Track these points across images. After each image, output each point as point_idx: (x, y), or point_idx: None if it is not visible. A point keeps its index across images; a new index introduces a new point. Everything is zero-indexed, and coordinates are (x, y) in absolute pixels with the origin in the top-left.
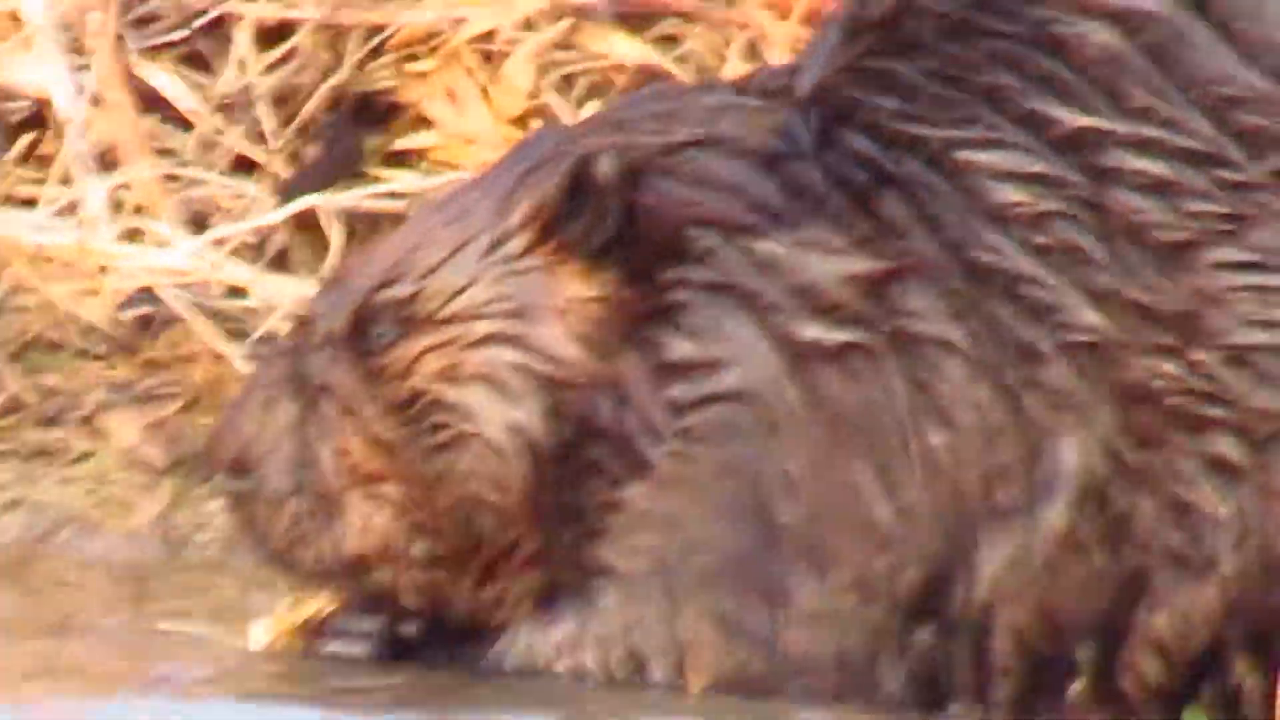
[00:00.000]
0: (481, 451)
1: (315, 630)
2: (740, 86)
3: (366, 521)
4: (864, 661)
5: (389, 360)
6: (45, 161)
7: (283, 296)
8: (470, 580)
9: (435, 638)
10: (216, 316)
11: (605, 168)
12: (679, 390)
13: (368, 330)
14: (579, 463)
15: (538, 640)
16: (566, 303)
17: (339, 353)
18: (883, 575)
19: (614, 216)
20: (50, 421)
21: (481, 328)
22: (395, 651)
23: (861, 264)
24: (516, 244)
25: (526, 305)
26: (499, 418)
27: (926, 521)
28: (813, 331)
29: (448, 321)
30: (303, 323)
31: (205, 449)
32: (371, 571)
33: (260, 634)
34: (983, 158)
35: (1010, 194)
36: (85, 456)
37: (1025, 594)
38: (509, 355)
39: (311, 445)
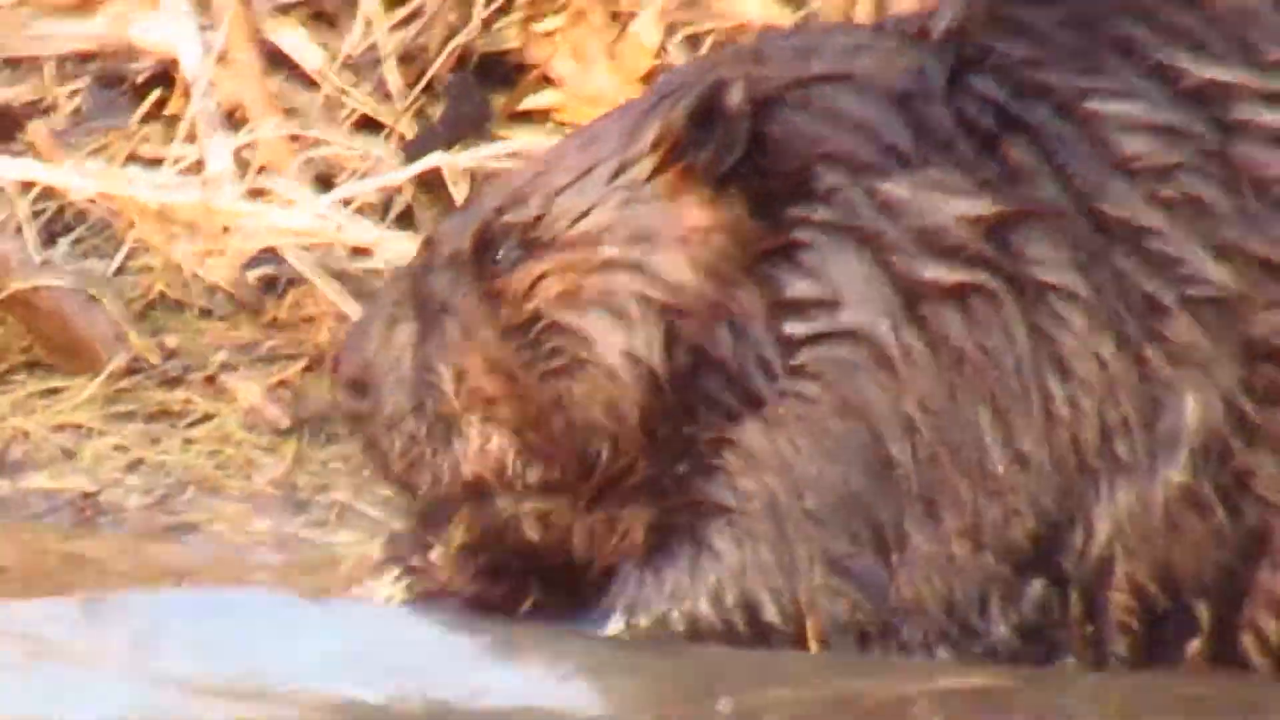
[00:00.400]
0: (598, 378)
1: (408, 546)
2: (878, 28)
3: (484, 443)
4: (974, 609)
5: (510, 282)
6: (171, 121)
7: (407, 256)
8: (583, 507)
9: (543, 590)
10: (340, 277)
11: (735, 96)
12: (795, 327)
13: (490, 251)
14: (694, 394)
15: (649, 588)
16: (688, 231)
17: (461, 273)
18: (996, 523)
19: (741, 145)
20: (173, 382)
21: (603, 253)
22: (510, 597)
23: (985, 206)
24: (642, 169)
25: (648, 232)
26: (617, 344)
27: (1043, 471)
28: (933, 272)
29: (569, 246)
30: (428, 243)
31: (328, 368)
32: (489, 496)
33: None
34: (1111, 108)
35: (1137, 145)
36: (208, 417)
37: (1144, 549)
38: (629, 282)
39: (431, 365)
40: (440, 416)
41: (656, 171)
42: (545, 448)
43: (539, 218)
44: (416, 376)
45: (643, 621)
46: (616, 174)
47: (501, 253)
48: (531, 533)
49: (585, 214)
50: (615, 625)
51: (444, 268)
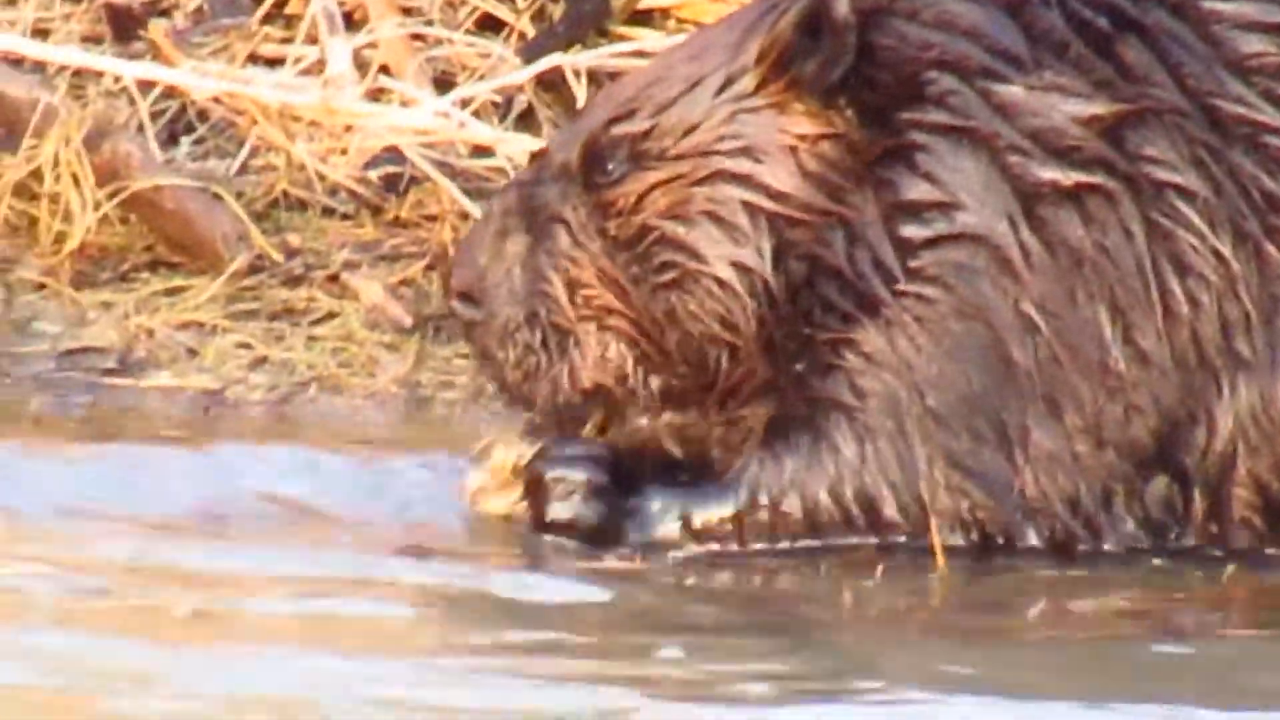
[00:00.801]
0: (709, 290)
1: (537, 456)
2: None
3: (603, 352)
4: (1097, 506)
5: (619, 194)
6: (291, 21)
7: (528, 156)
8: (712, 415)
9: (658, 470)
10: (461, 175)
11: (842, 6)
12: (912, 230)
13: (600, 163)
14: (810, 300)
15: (769, 472)
16: (796, 140)
17: (570, 185)
18: (1118, 421)
19: (849, 56)
20: (296, 281)
21: (710, 164)
22: (615, 479)
23: (1101, 106)
24: (748, 81)
25: (756, 143)
26: (726, 255)
27: (1164, 369)
28: (1050, 173)
29: (678, 158)
30: (538, 155)
31: (442, 279)
32: (613, 406)
33: (477, 481)
34: (1227, 7)
35: (1254, 44)
36: (330, 316)
37: (1265, 445)
38: (737, 193)
39: (544, 275)
40: (555, 326)
41: (763, 83)
42: (663, 357)
43: (648, 131)
44: (529, 287)
45: (762, 501)
46: (724, 86)
47: (611, 165)
48: (672, 446)
49: (694, 127)
50: (735, 503)
51: (554, 179)
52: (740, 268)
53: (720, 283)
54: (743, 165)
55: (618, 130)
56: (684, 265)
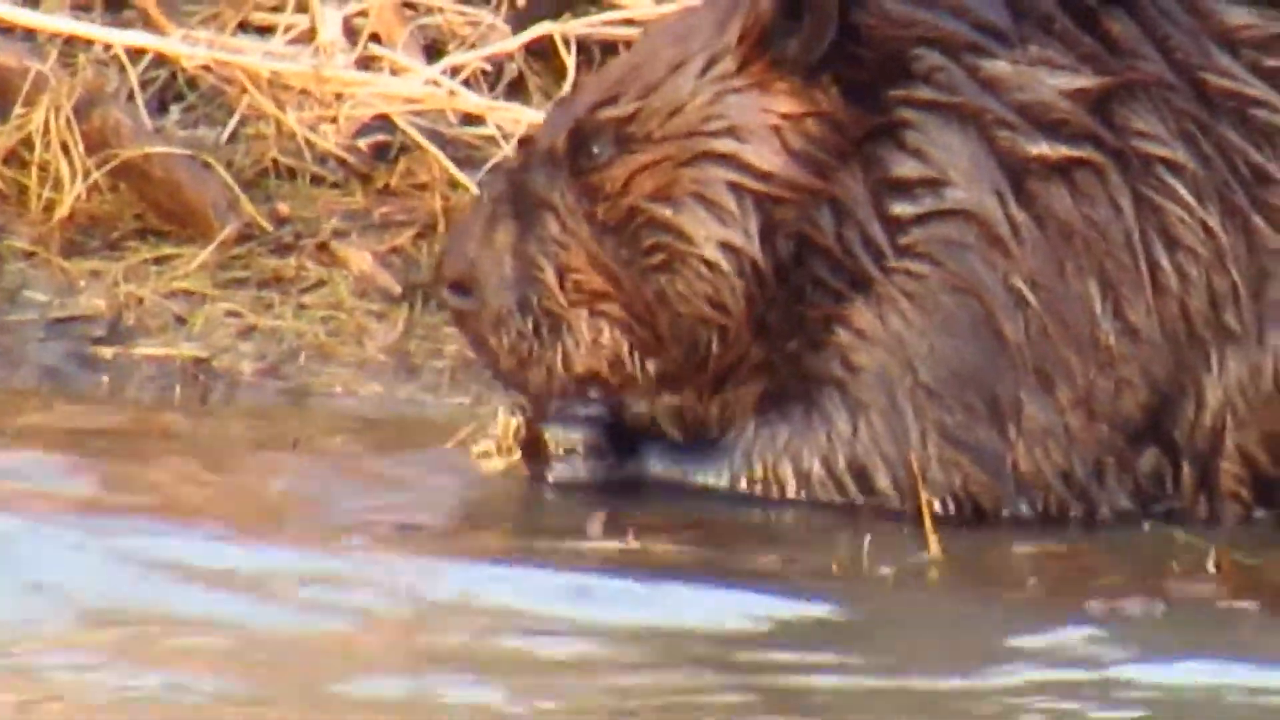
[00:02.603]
0: (698, 271)
1: (536, 416)
2: None
3: (596, 337)
4: (1089, 479)
5: (606, 178)
6: None
7: (518, 124)
8: (707, 395)
9: (654, 434)
10: (451, 144)
11: None
12: (901, 207)
13: (586, 148)
14: (800, 278)
15: (763, 439)
16: (780, 119)
17: (557, 170)
18: (1108, 394)
19: (831, 34)
20: (285, 249)
21: (695, 146)
22: (613, 441)
23: (1088, 79)
24: (730, 62)
25: (740, 123)
26: (714, 236)
27: (1153, 342)
28: (1038, 147)
29: (663, 140)
30: (525, 141)
31: (432, 268)
32: (609, 390)
33: (482, 450)
34: None
35: (1241, 16)
36: (320, 284)
37: (1253, 419)
38: (723, 173)
39: (534, 261)
40: (547, 312)
41: (745, 63)
42: (656, 340)
43: (633, 114)
44: (520, 274)
45: (756, 468)
46: (707, 68)
47: (597, 149)
48: (672, 429)
49: (678, 109)
50: (730, 467)
51: (540, 165)
52: (728, 248)
53: (708, 263)
54: (727, 145)
55: (603, 114)
56: (672, 247)
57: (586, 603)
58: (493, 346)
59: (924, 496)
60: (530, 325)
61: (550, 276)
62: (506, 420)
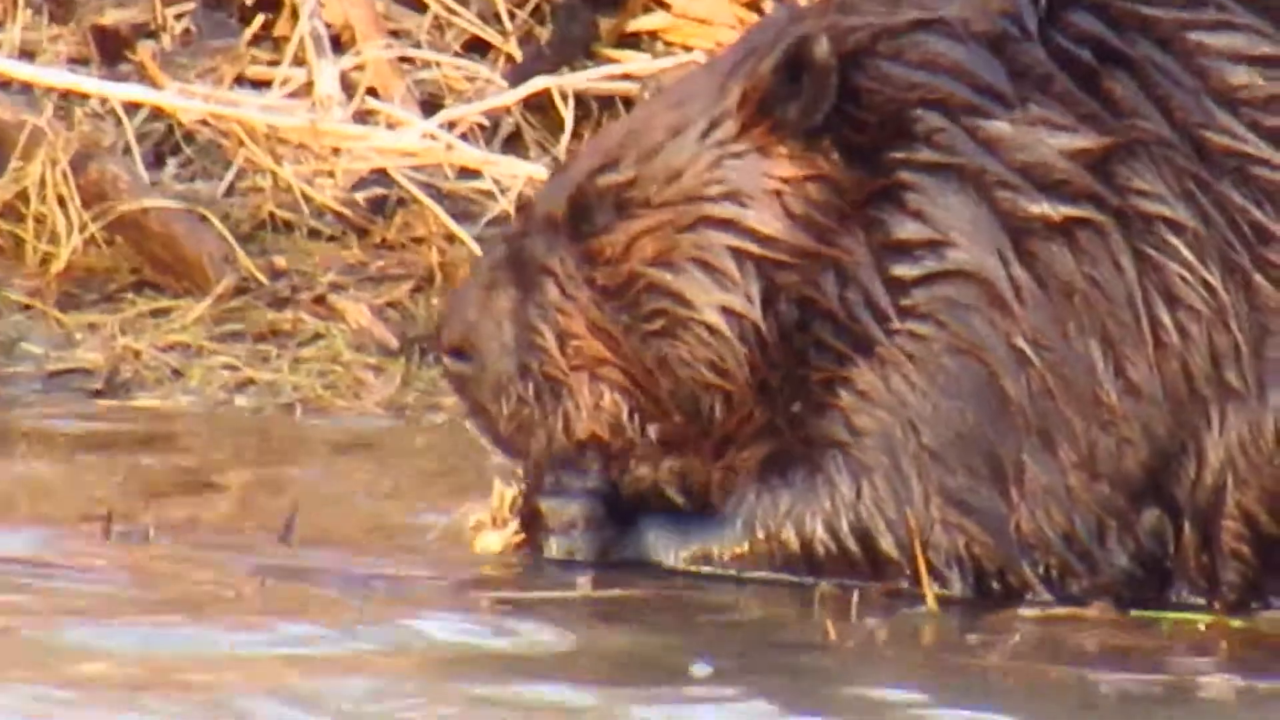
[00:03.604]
0: (700, 336)
1: (532, 488)
2: None
3: (597, 401)
4: (1094, 540)
5: (606, 244)
6: (279, 43)
7: (515, 178)
8: (710, 460)
9: (655, 504)
10: (448, 198)
11: (822, 49)
12: (903, 268)
13: (586, 214)
14: (803, 342)
15: (765, 505)
16: (780, 183)
17: (557, 236)
18: (1110, 453)
19: (830, 97)
20: (282, 302)
21: (696, 210)
22: (611, 510)
23: (1088, 139)
24: (730, 126)
25: (740, 187)
26: (716, 302)
27: (1154, 400)
28: (1039, 207)
29: (663, 205)
30: (524, 207)
31: (431, 333)
32: (610, 455)
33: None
34: (1214, 39)
35: (1241, 76)
36: (317, 337)
37: (1254, 478)
38: (723, 238)
39: (534, 327)
40: (547, 378)
41: (745, 128)
42: (657, 405)
43: (633, 179)
44: (520, 340)
45: (759, 535)
46: (707, 132)
47: (597, 215)
48: (675, 494)
49: (678, 174)
50: (731, 535)
51: (540, 231)
52: (729, 313)
53: (710, 329)
54: (728, 210)
55: (602, 180)
56: (673, 312)
57: None
58: (493, 413)
59: (920, 561)
60: (531, 391)
61: (550, 342)
62: (502, 491)
